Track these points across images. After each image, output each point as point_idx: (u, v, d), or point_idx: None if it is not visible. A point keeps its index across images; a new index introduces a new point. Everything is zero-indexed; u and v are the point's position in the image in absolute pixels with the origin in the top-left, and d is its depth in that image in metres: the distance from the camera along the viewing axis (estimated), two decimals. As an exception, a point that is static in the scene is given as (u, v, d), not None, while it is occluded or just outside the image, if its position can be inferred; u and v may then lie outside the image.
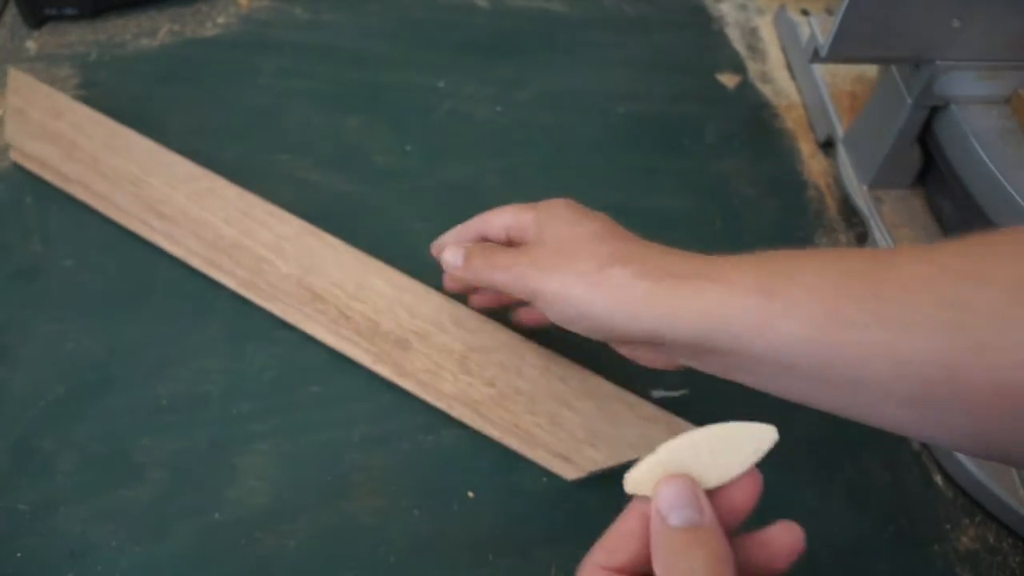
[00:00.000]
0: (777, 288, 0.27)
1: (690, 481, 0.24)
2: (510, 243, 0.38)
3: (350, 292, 0.43)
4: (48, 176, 0.48)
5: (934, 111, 0.46)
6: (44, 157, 0.48)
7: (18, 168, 0.49)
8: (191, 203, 0.46)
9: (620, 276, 0.31)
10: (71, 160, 0.48)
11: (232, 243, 0.44)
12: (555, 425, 0.39)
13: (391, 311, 0.42)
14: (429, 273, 0.47)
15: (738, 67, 0.60)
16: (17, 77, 0.51)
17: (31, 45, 0.57)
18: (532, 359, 0.41)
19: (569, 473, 0.39)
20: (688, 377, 0.36)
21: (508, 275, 0.34)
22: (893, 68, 0.47)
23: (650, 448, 0.26)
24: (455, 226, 0.40)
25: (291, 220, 0.45)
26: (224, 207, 0.46)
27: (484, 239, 0.39)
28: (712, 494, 0.25)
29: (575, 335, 0.37)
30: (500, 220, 0.38)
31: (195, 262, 0.44)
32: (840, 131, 0.53)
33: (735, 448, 0.25)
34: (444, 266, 0.38)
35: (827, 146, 0.56)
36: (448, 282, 0.42)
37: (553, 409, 0.40)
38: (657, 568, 0.23)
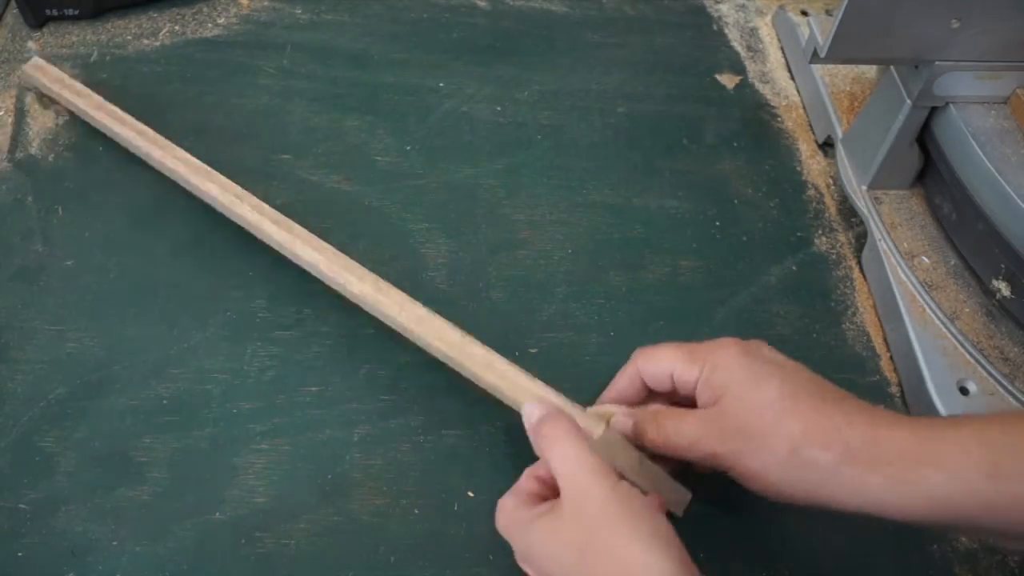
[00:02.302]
0: (1007, 470, 0.27)
1: (540, 403, 0.35)
2: (673, 392, 0.36)
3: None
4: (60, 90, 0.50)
5: (933, 111, 0.46)
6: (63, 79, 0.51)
7: (18, 168, 0.50)
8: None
9: (823, 462, 0.29)
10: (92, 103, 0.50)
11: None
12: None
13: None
14: (430, 273, 0.47)
15: (738, 67, 0.60)
16: (40, 66, 0.53)
17: (32, 46, 0.57)
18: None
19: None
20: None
21: (691, 453, 0.33)
22: (892, 68, 0.47)
23: None
24: (613, 380, 0.37)
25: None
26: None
27: (645, 390, 0.37)
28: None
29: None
30: (659, 369, 0.35)
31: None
32: (839, 131, 0.54)
33: None
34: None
35: (826, 146, 0.56)
36: None
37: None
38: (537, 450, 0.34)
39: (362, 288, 0.41)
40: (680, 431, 0.33)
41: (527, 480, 0.34)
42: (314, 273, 0.42)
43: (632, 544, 0.28)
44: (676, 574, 0.28)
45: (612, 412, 0.36)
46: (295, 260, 0.43)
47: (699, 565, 0.29)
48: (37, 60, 0.53)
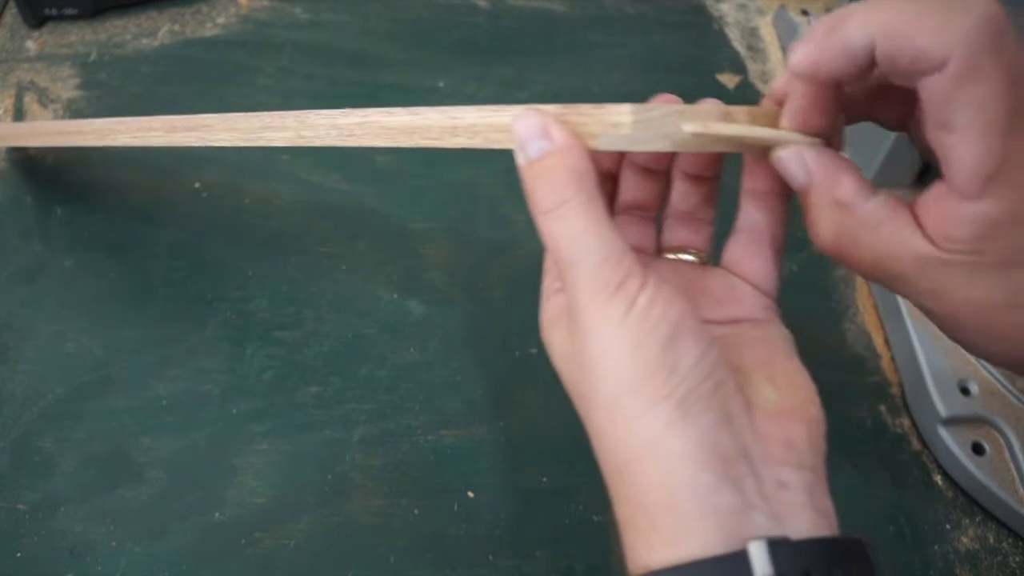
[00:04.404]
0: None
1: (540, 114, 0.23)
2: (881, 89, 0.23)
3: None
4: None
5: (934, 111, 0.46)
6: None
7: (18, 168, 0.49)
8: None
9: None
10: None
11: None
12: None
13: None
14: (430, 273, 0.47)
15: (738, 67, 0.60)
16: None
17: (31, 45, 0.57)
18: None
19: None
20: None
21: (914, 296, 0.22)
22: (893, 68, 0.47)
23: None
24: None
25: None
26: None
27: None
28: None
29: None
30: (925, 46, 0.19)
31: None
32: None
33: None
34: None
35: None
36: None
37: None
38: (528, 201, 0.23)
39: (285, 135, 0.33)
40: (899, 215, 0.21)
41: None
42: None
43: (645, 418, 0.21)
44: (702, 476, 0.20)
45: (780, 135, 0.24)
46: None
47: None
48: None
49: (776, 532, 0.21)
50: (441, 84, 0.57)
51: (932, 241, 0.21)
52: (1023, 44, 0.19)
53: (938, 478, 0.41)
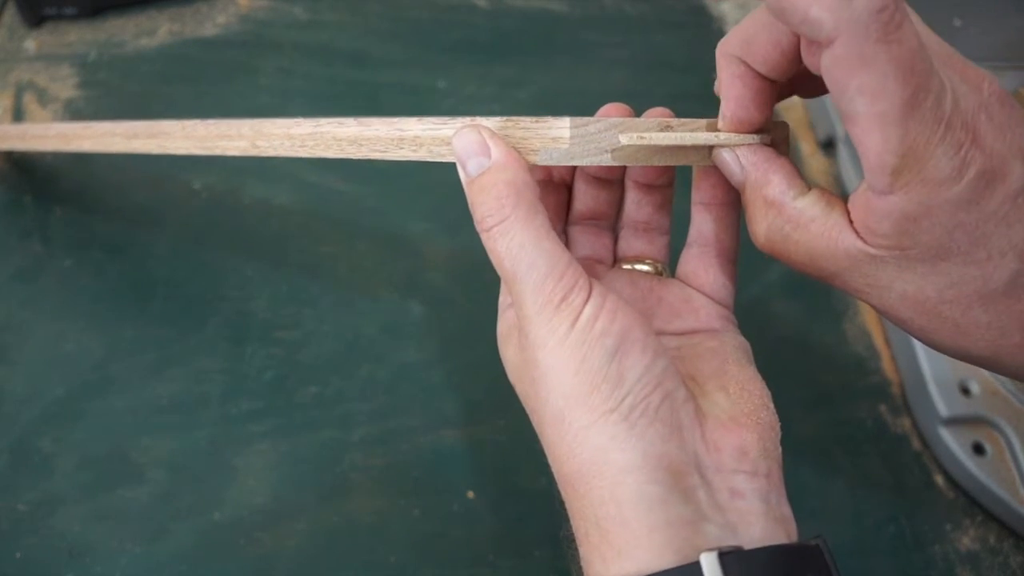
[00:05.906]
0: None
1: (478, 130, 0.23)
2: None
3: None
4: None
5: (934, 111, 0.46)
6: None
7: (16, 168, 0.49)
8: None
9: None
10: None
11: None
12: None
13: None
14: (430, 273, 0.47)
15: (738, 67, 0.60)
16: None
17: (30, 45, 0.57)
18: None
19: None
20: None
21: (816, 265, 0.22)
22: (893, 68, 0.47)
23: None
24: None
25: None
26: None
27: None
28: None
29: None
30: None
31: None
32: (840, 131, 0.53)
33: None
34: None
35: (827, 146, 0.56)
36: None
37: None
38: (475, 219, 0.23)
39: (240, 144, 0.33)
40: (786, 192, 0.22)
41: None
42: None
43: (590, 431, 0.22)
44: (640, 473, 0.21)
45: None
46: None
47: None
48: None
49: (729, 542, 0.21)
50: (441, 84, 0.57)
51: (860, 236, 0.21)
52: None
53: (939, 478, 0.41)
